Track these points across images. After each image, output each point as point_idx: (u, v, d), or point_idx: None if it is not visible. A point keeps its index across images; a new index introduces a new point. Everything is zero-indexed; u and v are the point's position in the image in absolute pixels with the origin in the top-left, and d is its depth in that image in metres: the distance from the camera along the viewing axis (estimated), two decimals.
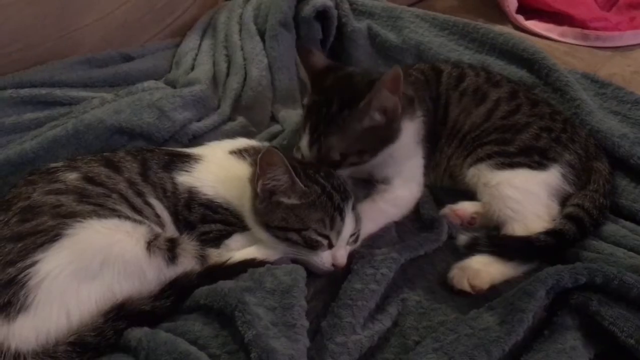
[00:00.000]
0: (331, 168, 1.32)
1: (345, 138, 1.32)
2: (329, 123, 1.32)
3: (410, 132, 1.41)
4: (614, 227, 1.37)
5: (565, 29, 2.16)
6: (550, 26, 2.19)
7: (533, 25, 2.20)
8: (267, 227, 1.24)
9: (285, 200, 1.23)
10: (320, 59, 1.44)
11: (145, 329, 1.07)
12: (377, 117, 1.32)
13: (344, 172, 1.35)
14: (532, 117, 1.46)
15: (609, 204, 1.41)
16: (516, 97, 1.50)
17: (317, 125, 1.32)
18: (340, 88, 1.35)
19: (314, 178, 1.26)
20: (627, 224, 1.39)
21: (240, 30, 1.92)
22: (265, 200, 1.23)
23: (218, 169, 1.35)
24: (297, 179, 1.21)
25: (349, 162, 1.34)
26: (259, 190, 1.23)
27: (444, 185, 1.51)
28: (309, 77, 1.39)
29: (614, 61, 2.00)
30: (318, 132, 1.32)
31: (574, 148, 1.43)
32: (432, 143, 1.47)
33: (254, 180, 1.24)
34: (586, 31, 2.12)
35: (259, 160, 1.19)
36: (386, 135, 1.35)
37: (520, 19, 2.23)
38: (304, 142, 1.35)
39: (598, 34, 2.11)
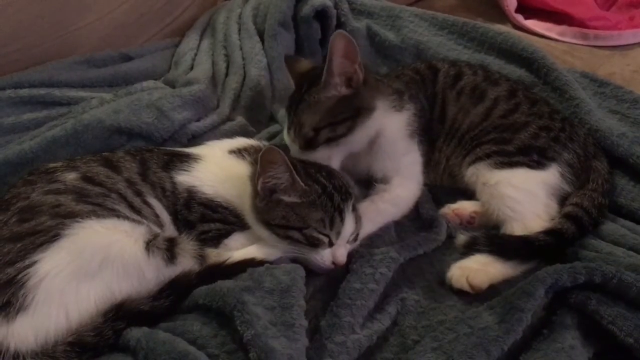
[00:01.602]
0: (310, 148, 1.34)
1: (313, 112, 1.33)
2: (299, 102, 1.35)
3: (397, 123, 1.41)
4: (613, 226, 1.37)
5: (564, 28, 2.16)
6: (550, 25, 2.19)
7: (532, 24, 2.20)
8: (268, 225, 1.24)
9: (285, 198, 1.23)
10: (305, 63, 1.46)
11: (144, 328, 1.07)
12: (341, 87, 1.33)
13: (335, 163, 1.36)
14: (531, 116, 1.46)
15: (607, 203, 1.41)
16: (515, 96, 1.50)
17: (291, 110, 1.37)
18: (310, 74, 1.40)
19: (315, 177, 1.26)
20: (626, 223, 1.39)
21: (239, 30, 1.92)
22: (265, 198, 1.23)
23: (217, 168, 1.35)
24: (297, 178, 1.21)
25: (324, 137, 1.34)
26: (259, 188, 1.23)
27: (443, 185, 1.51)
28: (293, 81, 1.43)
29: (613, 60, 2.00)
30: (292, 114, 1.36)
31: (572, 147, 1.43)
32: (429, 142, 1.47)
33: (254, 178, 1.24)
34: (585, 30, 2.13)
35: (259, 158, 1.20)
36: (355, 106, 1.34)
37: (519, 18, 2.23)
38: (287, 136, 1.38)
39: (597, 33, 2.11)
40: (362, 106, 1.35)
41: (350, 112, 1.34)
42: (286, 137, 1.39)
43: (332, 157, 1.36)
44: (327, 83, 1.32)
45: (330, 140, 1.34)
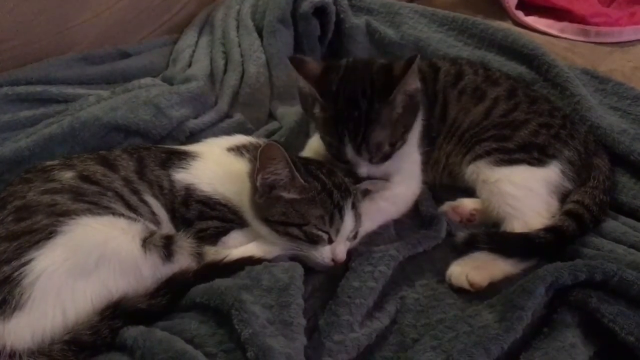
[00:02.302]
0: (384, 161, 1.33)
1: (388, 128, 1.31)
2: (367, 122, 1.29)
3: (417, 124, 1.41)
4: (614, 224, 1.36)
5: (565, 24, 2.15)
6: (550, 22, 2.18)
7: (533, 21, 2.19)
8: (267, 221, 1.24)
9: (285, 194, 1.22)
10: (314, 65, 1.37)
11: (141, 327, 1.07)
12: (404, 99, 1.32)
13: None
14: (530, 114, 1.45)
15: (609, 200, 1.40)
16: (515, 95, 1.49)
17: (357, 130, 1.28)
18: (356, 86, 1.31)
19: (315, 174, 1.25)
20: (628, 220, 1.39)
21: (238, 27, 1.91)
22: (264, 194, 1.23)
23: (215, 165, 1.34)
24: (296, 174, 1.20)
25: (397, 148, 1.34)
26: (258, 184, 1.23)
27: (443, 183, 1.51)
28: (314, 88, 1.31)
29: (614, 57, 1.99)
30: (361, 136, 1.29)
31: (573, 144, 1.43)
32: (429, 140, 1.46)
33: (253, 174, 1.24)
34: (586, 27, 2.12)
35: (259, 154, 1.19)
36: (413, 110, 1.35)
37: (520, 14, 2.21)
38: (349, 152, 1.30)
39: (598, 29, 2.10)
40: (417, 109, 1.36)
41: (411, 116, 1.35)
42: (352, 158, 1.32)
43: (391, 164, 1.36)
44: (396, 100, 1.30)
45: (400, 147, 1.35)
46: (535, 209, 1.35)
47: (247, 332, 1.00)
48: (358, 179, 1.32)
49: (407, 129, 1.35)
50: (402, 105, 1.32)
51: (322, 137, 1.38)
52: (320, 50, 1.88)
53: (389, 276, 1.22)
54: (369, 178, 1.33)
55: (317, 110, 1.33)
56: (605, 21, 2.12)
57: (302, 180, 1.21)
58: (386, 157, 1.33)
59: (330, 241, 1.24)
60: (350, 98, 1.29)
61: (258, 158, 1.20)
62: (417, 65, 1.32)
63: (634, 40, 2.07)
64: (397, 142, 1.33)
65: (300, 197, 1.22)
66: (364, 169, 1.33)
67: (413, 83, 1.32)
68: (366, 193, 1.38)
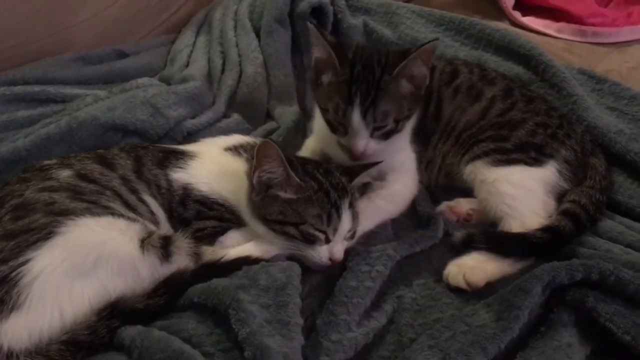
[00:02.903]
0: (385, 139, 1.33)
1: (395, 102, 1.32)
2: (378, 89, 1.30)
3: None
4: (611, 224, 1.37)
5: (562, 25, 2.16)
6: (548, 22, 2.18)
7: (530, 21, 2.20)
8: (265, 220, 1.24)
9: (282, 194, 1.23)
10: (331, 37, 1.39)
11: (139, 327, 1.07)
12: (407, 84, 1.33)
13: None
14: (527, 114, 1.46)
15: (605, 200, 1.41)
16: (511, 95, 1.50)
17: (367, 91, 1.30)
18: (372, 56, 1.34)
19: (311, 174, 1.26)
20: (624, 220, 1.39)
21: (236, 27, 1.91)
22: (261, 192, 1.23)
23: (213, 165, 1.34)
24: (291, 173, 1.20)
25: (398, 129, 1.35)
26: (255, 181, 1.23)
27: (439, 183, 1.51)
28: (333, 52, 1.31)
29: (611, 57, 2.00)
30: (370, 98, 1.30)
31: (570, 144, 1.43)
32: (422, 139, 1.47)
33: (250, 172, 1.24)
34: (583, 27, 2.12)
35: (255, 152, 1.20)
36: (417, 99, 1.36)
37: (517, 15, 2.22)
38: (355, 114, 1.29)
39: (595, 30, 2.11)
40: (418, 103, 1.38)
41: (411, 107, 1.36)
42: (356, 122, 1.30)
43: (385, 151, 1.36)
44: (401, 77, 1.32)
45: (395, 133, 1.35)
46: (532, 208, 1.35)
47: (245, 332, 1.01)
48: (353, 173, 1.32)
49: (410, 114, 1.36)
50: (409, 87, 1.33)
51: (325, 106, 1.35)
52: None
53: (387, 276, 1.22)
54: (364, 160, 1.34)
55: (328, 77, 1.34)
56: (602, 22, 2.13)
57: (297, 179, 1.22)
58: (386, 134, 1.33)
59: (328, 241, 1.24)
60: (366, 64, 1.31)
61: (255, 156, 1.20)
62: (432, 51, 1.34)
63: (630, 41, 2.08)
64: (399, 122, 1.34)
65: (296, 196, 1.23)
66: (362, 141, 1.32)
67: (420, 66, 1.33)
68: (363, 192, 1.39)
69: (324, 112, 1.36)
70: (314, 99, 1.46)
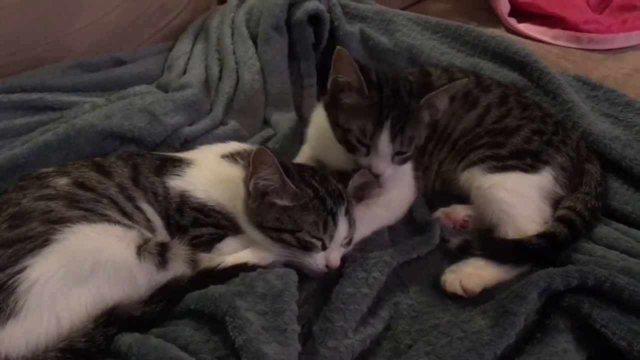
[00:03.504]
0: (402, 164, 1.35)
1: (419, 129, 1.34)
2: (408, 113, 1.31)
3: None
4: (606, 230, 1.37)
5: (557, 31, 2.17)
6: (543, 29, 2.20)
7: (526, 28, 2.21)
8: (261, 227, 1.24)
9: (278, 201, 1.23)
10: (355, 58, 1.35)
11: (136, 334, 1.07)
12: (427, 114, 1.36)
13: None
14: (523, 120, 1.47)
15: (601, 206, 1.41)
16: (506, 102, 1.50)
17: (400, 116, 1.30)
18: (398, 82, 1.35)
19: (307, 181, 1.26)
20: (620, 226, 1.40)
21: (233, 34, 1.91)
22: (257, 199, 1.23)
23: (210, 172, 1.35)
24: (287, 180, 1.21)
25: (412, 154, 1.37)
26: (251, 188, 1.23)
27: (435, 190, 1.51)
28: (362, 75, 1.30)
29: (607, 64, 2.01)
30: (400, 123, 1.30)
31: (565, 151, 1.43)
32: (419, 146, 1.47)
33: (247, 179, 1.24)
34: (579, 34, 2.14)
35: (252, 158, 1.20)
36: (426, 132, 1.38)
37: (512, 22, 2.23)
38: (384, 137, 1.29)
39: (590, 36, 2.12)
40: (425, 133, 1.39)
41: (423, 137, 1.38)
42: (383, 146, 1.30)
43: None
44: (426, 108, 1.34)
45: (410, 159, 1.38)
46: (528, 215, 1.36)
47: (242, 339, 1.01)
48: (349, 179, 1.31)
49: (420, 143, 1.38)
50: (428, 117, 1.36)
51: (347, 126, 1.32)
52: (315, 57, 1.89)
53: (383, 282, 1.23)
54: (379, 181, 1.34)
55: (351, 98, 1.32)
56: (597, 28, 2.14)
57: (293, 187, 1.22)
58: (404, 160, 1.35)
59: (324, 248, 1.24)
60: (394, 89, 1.32)
61: (251, 162, 1.21)
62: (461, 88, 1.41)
63: (626, 47, 2.09)
64: (416, 147, 1.36)
65: (293, 203, 1.23)
66: (384, 164, 1.32)
67: (445, 100, 1.36)
68: (360, 199, 1.39)
69: (345, 131, 1.33)
70: (313, 108, 1.46)
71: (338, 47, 1.32)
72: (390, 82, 1.34)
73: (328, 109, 1.39)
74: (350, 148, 1.34)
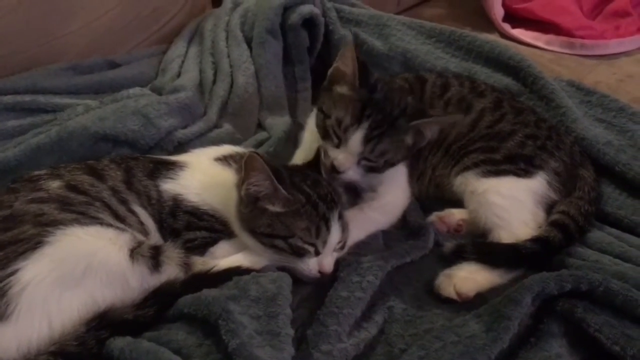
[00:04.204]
0: (373, 172, 1.34)
1: (396, 147, 1.33)
2: (391, 127, 1.31)
3: None
4: (600, 234, 1.38)
5: (551, 37, 2.19)
6: (537, 34, 2.21)
7: (519, 33, 2.22)
8: (253, 233, 1.24)
9: (270, 207, 1.22)
10: (360, 55, 1.35)
11: (128, 338, 1.06)
12: (412, 138, 1.35)
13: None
14: (516, 125, 1.47)
15: (594, 211, 1.42)
16: (500, 107, 1.51)
17: (381, 123, 1.30)
18: (395, 95, 1.35)
19: (299, 186, 1.25)
20: (613, 230, 1.40)
21: (227, 38, 1.91)
22: (249, 205, 1.23)
23: (203, 176, 1.34)
24: (279, 186, 1.20)
25: (381, 170, 1.36)
26: (242, 194, 1.23)
27: (429, 194, 1.51)
28: (358, 68, 1.30)
29: (600, 69, 2.02)
30: (379, 130, 1.30)
31: (559, 155, 1.44)
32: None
33: (239, 184, 1.24)
34: (572, 40, 2.15)
35: (243, 164, 1.20)
36: (405, 156, 1.38)
37: (506, 27, 2.24)
38: (357, 135, 1.29)
39: (584, 42, 2.14)
40: (408, 156, 1.40)
41: (401, 159, 1.38)
42: (354, 142, 1.30)
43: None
44: (414, 131, 1.34)
45: (376, 172, 1.37)
46: (521, 219, 1.36)
47: (235, 343, 1.00)
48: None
49: (395, 163, 1.37)
50: (411, 141, 1.35)
51: (328, 112, 1.33)
52: (309, 61, 1.89)
53: (377, 286, 1.22)
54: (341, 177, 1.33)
55: (342, 89, 1.33)
56: (590, 34, 2.16)
57: (285, 193, 1.21)
58: (371, 169, 1.34)
59: (317, 253, 1.24)
60: (387, 97, 1.32)
61: (243, 168, 1.20)
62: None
63: (618, 53, 2.11)
64: (388, 165, 1.35)
65: (284, 209, 1.22)
66: (348, 163, 1.31)
67: (435, 131, 1.37)
68: (355, 202, 1.39)
69: (325, 116, 1.34)
70: (314, 105, 1.46)
71: (350, 40, 1.33)
72: (387, 91, 1.34)
73: (321, 93, 1.40)
74: (324, 134, 1.34)
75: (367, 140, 1.30)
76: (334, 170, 1.32)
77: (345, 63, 1.33)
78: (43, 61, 1.78)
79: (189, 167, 1.35)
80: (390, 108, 1.32)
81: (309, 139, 1.49)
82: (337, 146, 1.32)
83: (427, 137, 1.36)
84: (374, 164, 1.33)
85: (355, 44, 1.34)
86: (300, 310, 1.17)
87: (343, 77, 1.34)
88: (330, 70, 1.39)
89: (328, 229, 1.23)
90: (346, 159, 1.31)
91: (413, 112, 1.34)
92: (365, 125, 1.29)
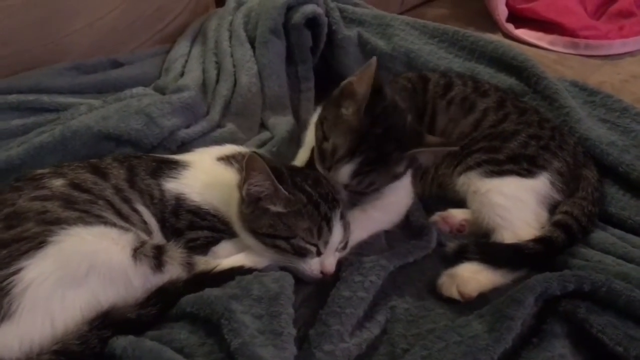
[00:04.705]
0: (357, 192, 1.33)
1: (385, 177, 1.32)
2: (382, 164, 1.29)
3: None
4: (603, 235, 1.37)
5: (555, 37, 2.18)
6: (540, 35, 2.21)
7: (523, 33, 2.22)
8: (255, 233, 1.24)
9: (271, 207, 1.22)
10: (379, 78, 1.29)
11: (131, 337, 1.06)
12: (404, 164, 1.33)
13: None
14: (520, 125, 1.47)
15: (597, 211, 1.41)
16: (504, 107, 1.51)
17: (374, 160, 1.27)
18: (395, 124, 1.31)
19: (300, 186, 1.25)
20: (616, 231, 1.40)
21: (230, 37, 1.91)
22: (251, 205, 1.23)
23: (206, 175, 1.34)
24: (279, 186, 1.20)
25: (366, 193, 1.35)
26: (244, 194, 1.23)
27: (432, 194, 1.51)
28: (370, 96, 1.26)
29: (604, 70, 2.02)
30: (370, 167, 1.28)
31: (562, 156, 1.44)
32: None
33: (240, 184, 1.24)
34: (576, 40, 2.15)
35: (244, 164, 1.20)
36: (394, 179, 1.35)
37: (510, 27, 2.24)
38: (347, 169, 1.28)
39: (587, 42, 2.13)
40: (400, 177, 1.37)
41: (388, 183, 1.36)
42: (342, 174, 1.29)
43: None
44: (405, 161, 1.32)
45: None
46: (524, 219, 1.36)
47: (237, 342, 1.00)
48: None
49: (382, 187, 1.35)
50: (404, 167, 1.33)
51: (327, 135, 1.31)
52: (312, 60, 1.89)
53: (380, 286, 1.22)
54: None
55: (347, 109, 1.30)
56: (594, 34, 2.15)
57: (285, 193, 1.21)
58: (356, 193, 1.34)
59: (319, 253, 1.24)
60: (386, 131, 1.28)
61: (244, 168, 1.20)
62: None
63: (622, 54, 2.11)
64: (374, 190, 1.34)
65: (286, 210, 1.22)
66: (342, 180, 1.31)
67: (429, 158, 1.36)
68: (356, 203, 1.39)
69: (323, 136, 1.32)
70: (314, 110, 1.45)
71: (374, 60, 1.27)
72: (388, 123, 1.29)
73: (326, 105, 1.37)
74: (319, 154, 1.33)
75: (355, 174, 1.29)
76: None
77: (360, 82, 1.28)
78: (47, 61, 1.79)
79: (192, 167, 1.35)
80: (386, 144, 1.28)
81: (311, 139, 1.49)
82: (328, 169, 1.31)
83: (421, 163, 1.36)
84: (359, 190, 1.33)
85: (376, 68, 1.27)
86: (302, 309, 1.17)
87: (353, 95, 1.29)
88: (343, 83, 1.35)
89: (330, 229, 1.23)
90: (338, 179, 1.31)
91: (409, 138, 1.31)
92: (357, 160, 1.27)
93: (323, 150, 1.32)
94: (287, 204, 1.22)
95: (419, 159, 1.34)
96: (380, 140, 1.28)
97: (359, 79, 1.29)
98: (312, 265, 1.23)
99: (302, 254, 1.22)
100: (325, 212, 1.23)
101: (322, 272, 1.24)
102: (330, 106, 1.35)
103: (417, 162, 1.35)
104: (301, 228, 1.21)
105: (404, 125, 1.33)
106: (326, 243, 1.23)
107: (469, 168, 1.43)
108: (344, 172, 1.29)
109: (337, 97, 1.33)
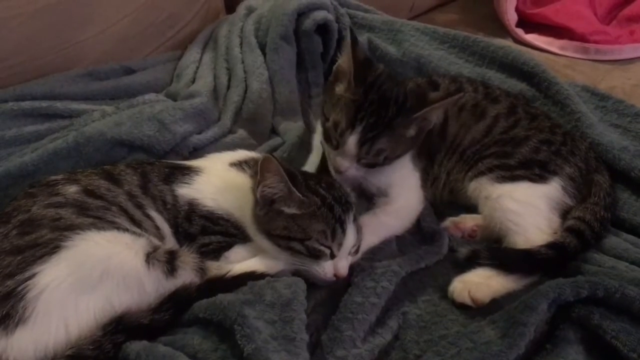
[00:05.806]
0: (369, 167, 1.34)
1: (395, 143, 1.33)
2: (386, 128, 1.31)
3: None
4: (616, 240, 1.37)
5: (565, 42, 2.18)
6: (550, 39, 2.20)
7: (533, 38, 2.22)
8: (269, 235, 1.24)
9: (285, 209, 1.23)
10: (362, 51, 1.38)
11: (144, 342, 1.06)
12: (415, 128, 1.35)
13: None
14: (531, 131, 1.47)
15: (610, 216, 1.41)
16: (515, 113, 1.50)
17: (374, 125, 1.30)
18: (391, 90, 1.34)
19: (314, 189, 1.26)
20: (629, 237, 1.39)
21: (241, 44, 1.92)
22: (265, 207, 1.24)
23: (218, 180, 1.35)
24: (293, 188, 1.21)
25: (384, 164, 1.36)
26: (258, 196, 1.23)
27: (444, 200, 1.51)
28: (353, 67, 1.31)
29: (614, 74, 2.01)
30: (373, 132, 1.30)
31: (574, 161, 1.43)
32: (428, 156, 1.47)
33: (255, 187, 1.25)
34: (586, 45, 2.14)
35: (259, 166, 1.20)
36: (411, 145, 1.38)
37: (520, 32, 2.24)
38: (352, 139, 1.30)
39: (598, 47, 2.13)
40: (415, 144, 1.39)
41: (407, 149, 1.38)
42: (349, 146, 1.31)
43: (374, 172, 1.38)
44: (415, 123, 1.34)
45: (379, 166, 1.37)
46: (536, 224, 1.36)
47: (250, 348, 1.01)
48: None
49: (401, 155, 1.37)
50: (415, 131, 1.34)
51: (327, 115, 1.35)
52: (323, 66, 1.89)
53: (392, 292, 1.22)
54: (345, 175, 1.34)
55: (341, 88, 1.34)
56: (605, 39, 2.15)
57: (299, 195, 1.22)
58: (371, 165, 1.35)
59: (333, 256, 1.24)
60: (383, 97, 1.32)
61: (258, 170, 1.21)
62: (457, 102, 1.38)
63: (633, 58, 2.10)
64: (389, 160, 1.35)
65: (300, 211, 1.23)
66: (347, 164, 1.33)
67: (440, 113, 1.37)
68: (368, 207, 1.39)
69: (325, 119, 1.36)
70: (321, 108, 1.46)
71: (348, 39, 1.33)
72: (384, 88, 1.33)
73: (325, 93, 1.42)
74: (325, 136, 1.36)
75: (361, 143, 1.30)
76: (337, 170, 1.34)
77: (344, 59, 1.34)
78: (60, 67, 1.80)
79: (204, 172, 1.36)
80: (385, 109, 1.31)
81: (320, 146, 1.49)
82: (336, 148, 1.34)
83: (433, 121, 1.37)
84: (373, 161, 1.34)
85: (352, 40, 1.32)
86: (314, 315, 1.17)
87: (344, 74, 1.34)
88: (335, 67, 1.40)
89: (344, 231, 1.24)
90: (345, 161, 1.33)
91: (414, 102, 1.33)
92: (358, 129, 1.30)
93: (327, 130, 1.35)
94: (301, 205, 1.22)
95: (429, 117, 1.35)
96: (377, 106, 1.30)
97: (343, 56, 1.35)
98: (326, 268, 1.24)
99: (316, 256, 1.23)
100: (339, 215, 1.24)
101: (335, 275, 1.24)
102: (327, 91, 1.40)
103: (429, 123, 1.36)
104: (315, 230, 1.22)
105: (404, 91, 1.35)
106: (340, 245, 1.24)
107: (481, 173, 1.43)
108: (350, 143, 1.30)
109: (331, 82, 1.39)
